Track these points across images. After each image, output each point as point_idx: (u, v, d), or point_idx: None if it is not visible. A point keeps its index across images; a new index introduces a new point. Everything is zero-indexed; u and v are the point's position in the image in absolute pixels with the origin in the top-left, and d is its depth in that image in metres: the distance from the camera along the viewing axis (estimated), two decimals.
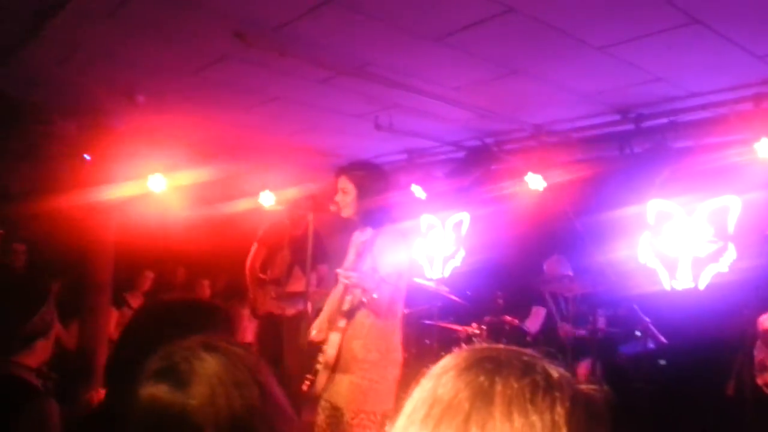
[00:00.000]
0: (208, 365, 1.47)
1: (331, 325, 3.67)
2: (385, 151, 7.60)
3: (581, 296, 6.36)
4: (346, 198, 3.71)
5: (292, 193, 7.13)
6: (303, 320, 4.05)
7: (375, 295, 3.41)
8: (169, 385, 1.46)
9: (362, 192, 3.66)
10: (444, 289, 6.71)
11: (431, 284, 6.62)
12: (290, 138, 7.09)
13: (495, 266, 7.45)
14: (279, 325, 5.95)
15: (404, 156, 7.79)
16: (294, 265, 6.17)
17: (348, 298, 3.62)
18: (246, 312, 6.70)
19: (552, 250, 7.00)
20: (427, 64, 4.86)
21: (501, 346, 1.17)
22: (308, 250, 3.98)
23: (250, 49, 4.55)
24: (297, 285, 6.04)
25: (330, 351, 3.55)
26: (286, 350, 5.74)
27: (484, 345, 1.10)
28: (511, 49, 4.56)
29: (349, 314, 3.61)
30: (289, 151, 7.45)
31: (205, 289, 8.08)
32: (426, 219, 8.37)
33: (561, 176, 6.52)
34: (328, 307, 3.80)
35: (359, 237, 3.76)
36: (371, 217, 3.69)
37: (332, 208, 3.75)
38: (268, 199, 7.59)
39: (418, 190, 7.56)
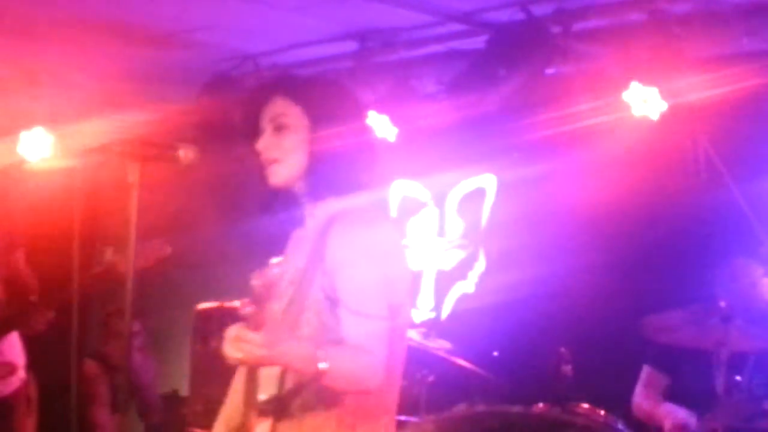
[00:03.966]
0: None
1: None
2: (307, 37, 7.24)
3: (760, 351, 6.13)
4: (284, 139, 3.55)
5: (92, 130, 6.78)
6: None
7: (323, 365, 3.20)
8: None
9: (320, 125, 3.55)
10: (441, 346, 6.48)
11: (413, 335, 6.29)
12: (85, 3, 6.65)
13: (554, 292, 7.04)
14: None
15: (351, 48, 7.33)
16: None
17: (269, 372, 3.46)
18: None
19: (679, 254, 6.68)
20: None
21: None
22: (130, 237, 3.82)
23: None
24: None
25: None
26: None
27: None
28: None
29: (278, 408, 3.44)
30: (84, 37, 7.02)
31: None
32: (400, 188, 8.26)
33: (702, 89, 6.08)
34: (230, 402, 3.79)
35: (302, 233, 3.70)
36: (337, 183, 3.57)
37: (182, 154, 3.76)
38: (36, 146, 7.26)
39: (380, 123, 7.22)
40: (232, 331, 3.17)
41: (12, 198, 6.64)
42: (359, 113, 3.68)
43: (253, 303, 3.15)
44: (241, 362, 3.30)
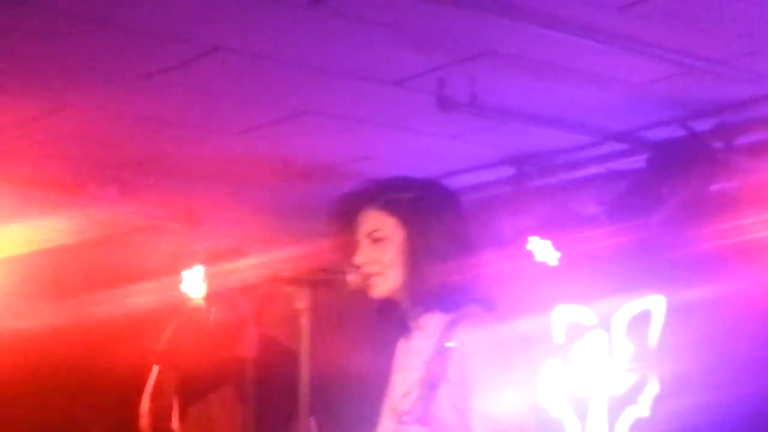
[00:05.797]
0: None
1: None
2: (464, 164, 7.39)
3: None
4: (382, 252, 3.47)
5: (253, 265, 6.37)
6: None
7: None
8: None
9: (416, 234, 3.47)
10: None
11: None
12: (243, 140, 6.92)
13: (738, 416, 6.83)
14: None
15: (508, 173, 7.48)
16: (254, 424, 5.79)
17: None
18: None
19: None
20: None
21: None
22: (302, 385, 3.46)
23: None
24: None
25: None
26: None
27: None
28: None
29: None
30: (243, 173, 7.40)
31: None
32: (563, 313, 8.15)
33: None
34: None
35: (411, 345, 3.54)
36: (441, 293, 3.45)
37: (351, 278, 3.46)
38: (198, 284, 6.87)
39: (542, 248, 7.38)
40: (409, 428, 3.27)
41: (180, 334, 6.37)
42: (460, 218, 3.64)
43: (418, 395, 3.29)
44: None
